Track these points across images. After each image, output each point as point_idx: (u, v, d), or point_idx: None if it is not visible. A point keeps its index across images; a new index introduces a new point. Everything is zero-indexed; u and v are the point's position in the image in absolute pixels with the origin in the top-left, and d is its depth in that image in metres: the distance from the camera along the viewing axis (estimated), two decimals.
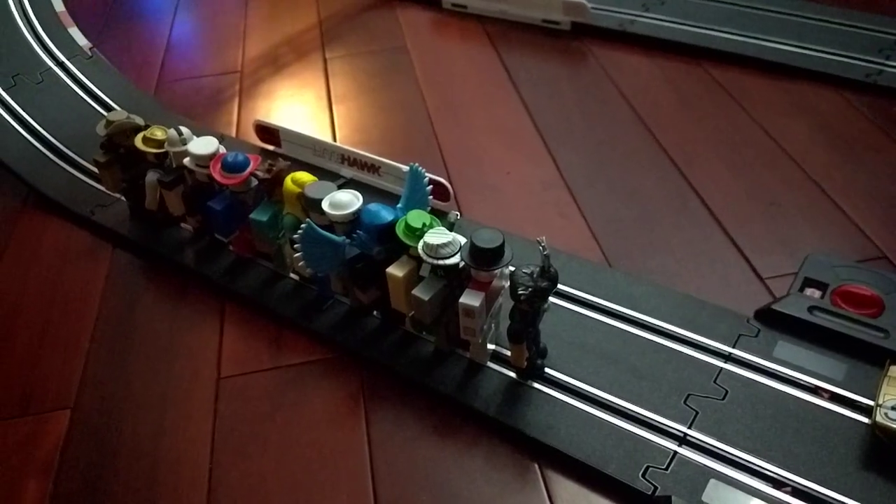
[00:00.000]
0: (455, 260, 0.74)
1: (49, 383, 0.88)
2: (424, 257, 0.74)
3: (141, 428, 0.81)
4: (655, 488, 0.68)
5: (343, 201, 0.80)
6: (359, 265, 0.80)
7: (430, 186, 0.84)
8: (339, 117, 1.30)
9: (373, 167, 1.06)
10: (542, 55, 1.42)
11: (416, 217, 0.76)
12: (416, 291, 0.75)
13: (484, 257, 0.71)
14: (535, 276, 0.70)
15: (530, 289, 0.70)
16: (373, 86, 1.38)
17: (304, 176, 0.85)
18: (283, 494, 0.74)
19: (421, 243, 0.74)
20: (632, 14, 1.45)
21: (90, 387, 0.87)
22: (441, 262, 0.74)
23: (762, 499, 0.67)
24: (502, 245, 0.71)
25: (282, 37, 1.58)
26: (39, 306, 0.98)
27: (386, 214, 0.78)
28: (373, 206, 0.79)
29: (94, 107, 1.27)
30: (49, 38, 1.32)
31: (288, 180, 0.85)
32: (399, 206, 0.81)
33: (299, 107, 1.35)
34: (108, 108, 1.26)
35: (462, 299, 0.73)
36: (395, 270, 0.77)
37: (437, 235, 0.74)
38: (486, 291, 0.73)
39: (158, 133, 0.94)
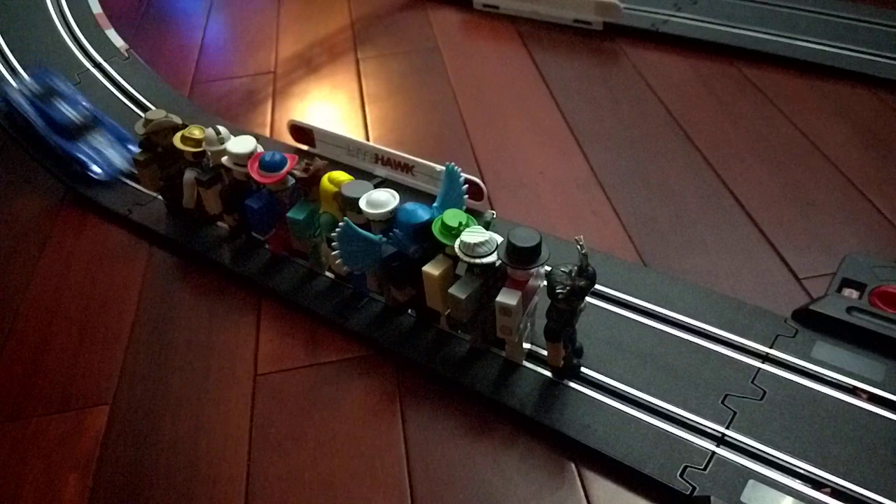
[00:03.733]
0: (492, 259, 0.74)
1: (88, 379, 0.89)
2: (461, 256, 0.74)
3: (179, 424, 0.82)
4: (694, 488, 0.68)
5: (380, 200, 0.80)
6: (395, 263, 0.80)
7: (466, 186, 0.84)
8: (371, 117, 1.31)
9: (406, 167, 1.06)
10: (574, 55, 1.42)
11: (453, 216, 0.76)
12: (452, 290, 0.75)
13: (521, 256, 0.71)
14: (572, 274, 0.70)
15: (568, 287, 0.70)
16: (405, 86, 1.39)
17: (340, 175, 0.85)
18: (320, 490, 0.74)
19: (458, 242, 0.75)
20: (664, 14, 1.45)
21: (129, 383, 0.88)
22: (478, 260, 0.74)
23: (802, 500, 0.66)
24: (539, 244, 0.71)
25: (314, 37, 1.59)
26: (78, 304, 0.99)
27: (422, 213, 0.79)
28: (409, 206, 0.80)
29: (130, 107, 1.28)
30: (87, 39, 1.34)
31: (325, 179, 0.86)
32: (435, 205, 0.81)
33: (332, 107, 1.36)
34: (145, 109, 1.28)
35: (499, 298, 0.73)
36: (431, 269, 0.77)
37: (474, 234, 0.74)
38: (523, 290, 0.73)
39: (196, 132, 0.94)
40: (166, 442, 0.81)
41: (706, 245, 0.96)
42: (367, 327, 0.88)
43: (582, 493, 0.72)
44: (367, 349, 0.87)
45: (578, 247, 0.68)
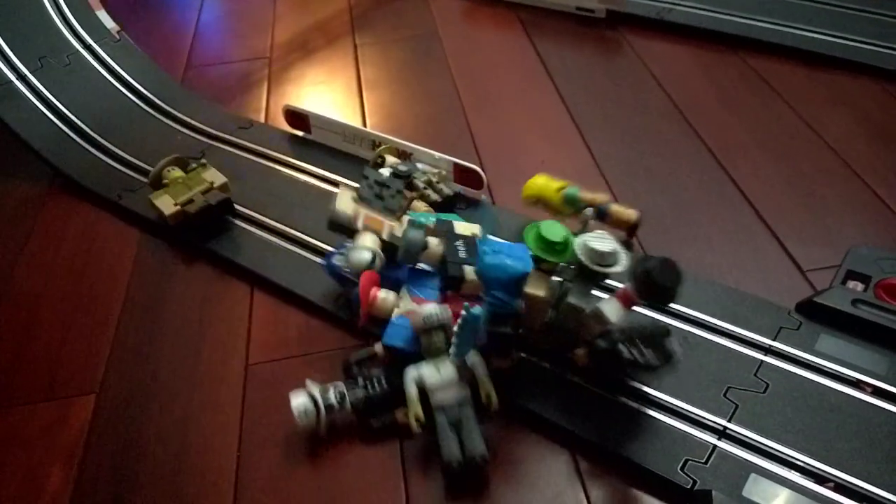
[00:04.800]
0: (619, 269, 0.70)
1: (74, 368, 0.87)
2: (587, 263, 0.70)
3: (168, 414, 0.81)
4: (695, 482, 0.66)
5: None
6: (505, 329, 0.72)
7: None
8: (369, 105, 1.28)
9: (404, 154, 1.04)
10: (576, 44, 1.39)
11: (553, 231, 0.73)
12: (575, 301, 0.71)
13: (656, 293, 0.68)
14: (642, 346, 0.68)
15: (633, 357, 0.68)
16: (404, 73, 1.37)
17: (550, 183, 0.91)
18: (311, 481, 0.73)
19: (582, 247, 0.70)
20: (668, 2, 1.43)
21: (116, 372, 0.86)
22: (604, 269, 0.70)
23: (804, 494, 0.65)
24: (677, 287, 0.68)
25: (311, 22, 1.57)
26: (65, 291, 0.97)
27: (513, 263, 0.71)
28: (491, 260, 0.71)
29: (121, 90, 1.26)
30: (77, 20, 1.31)
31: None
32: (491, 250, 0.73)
33: (329, 93, 1.34)
34: (136, 92, 1.25)
35: (601, 305, 0.70)
36: (535, 290, 0.73)
37: (602, 242, 0.70)
38: (627, 308, 0.70)
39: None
40: (154, 433, 0.79)
41: (709, 236, 0.95)
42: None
43: (581, 488, 0.70)
44: (361, 339, 0.85)
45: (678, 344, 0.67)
